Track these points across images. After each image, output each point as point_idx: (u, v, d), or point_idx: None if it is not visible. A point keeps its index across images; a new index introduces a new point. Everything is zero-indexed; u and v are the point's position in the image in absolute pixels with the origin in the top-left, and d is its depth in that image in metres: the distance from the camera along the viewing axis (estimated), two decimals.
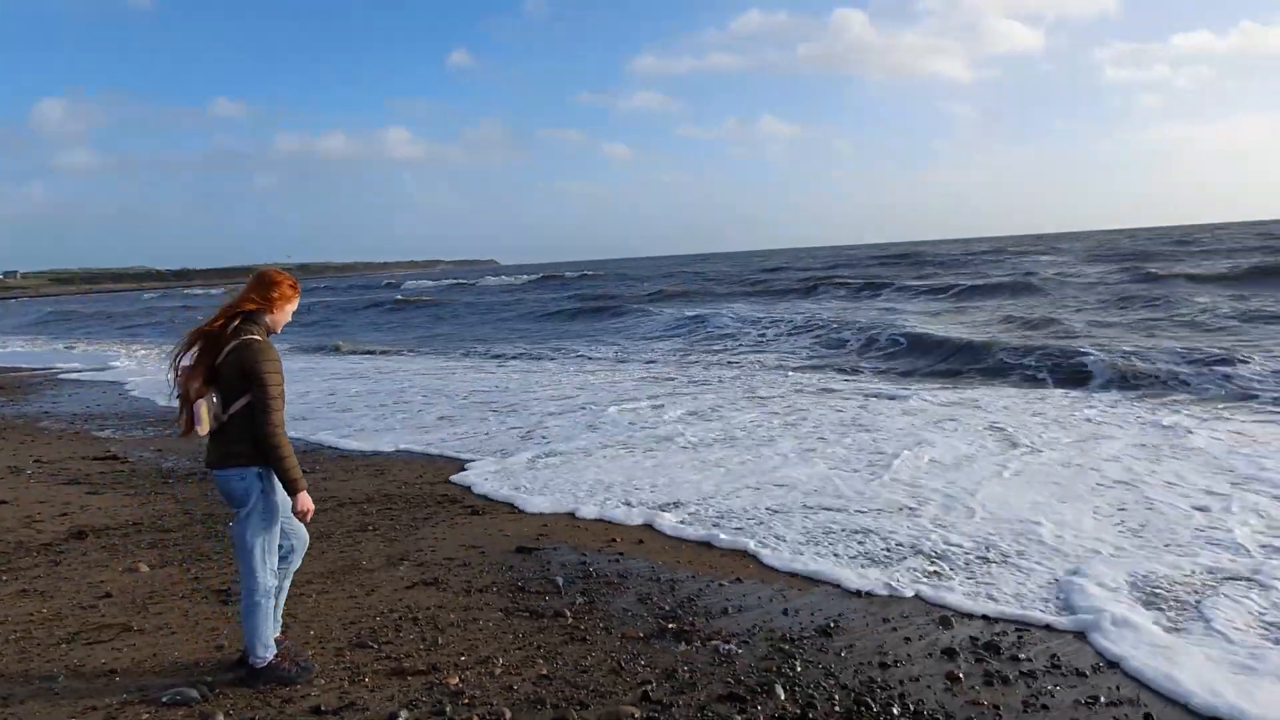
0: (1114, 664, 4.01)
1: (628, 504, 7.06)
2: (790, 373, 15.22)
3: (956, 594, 4.89)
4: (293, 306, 3.98)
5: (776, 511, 6.65)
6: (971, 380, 13.28)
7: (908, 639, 4.39)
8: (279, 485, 3.83)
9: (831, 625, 4.57)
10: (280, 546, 3.99)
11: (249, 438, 3.73)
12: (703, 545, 6.02)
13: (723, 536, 6.11)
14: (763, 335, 21.26)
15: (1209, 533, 5.66)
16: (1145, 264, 35.29)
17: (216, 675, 4.01)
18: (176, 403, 3.75)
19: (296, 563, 4.18)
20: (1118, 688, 3.79)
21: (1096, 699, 3.68)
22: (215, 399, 3.69)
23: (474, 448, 9.58)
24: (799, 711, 3.64)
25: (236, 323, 3.80)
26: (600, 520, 6.73)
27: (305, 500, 3.84)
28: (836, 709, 3.67)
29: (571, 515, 6.88)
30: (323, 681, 3.95)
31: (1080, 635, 4.32)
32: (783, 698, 3.77)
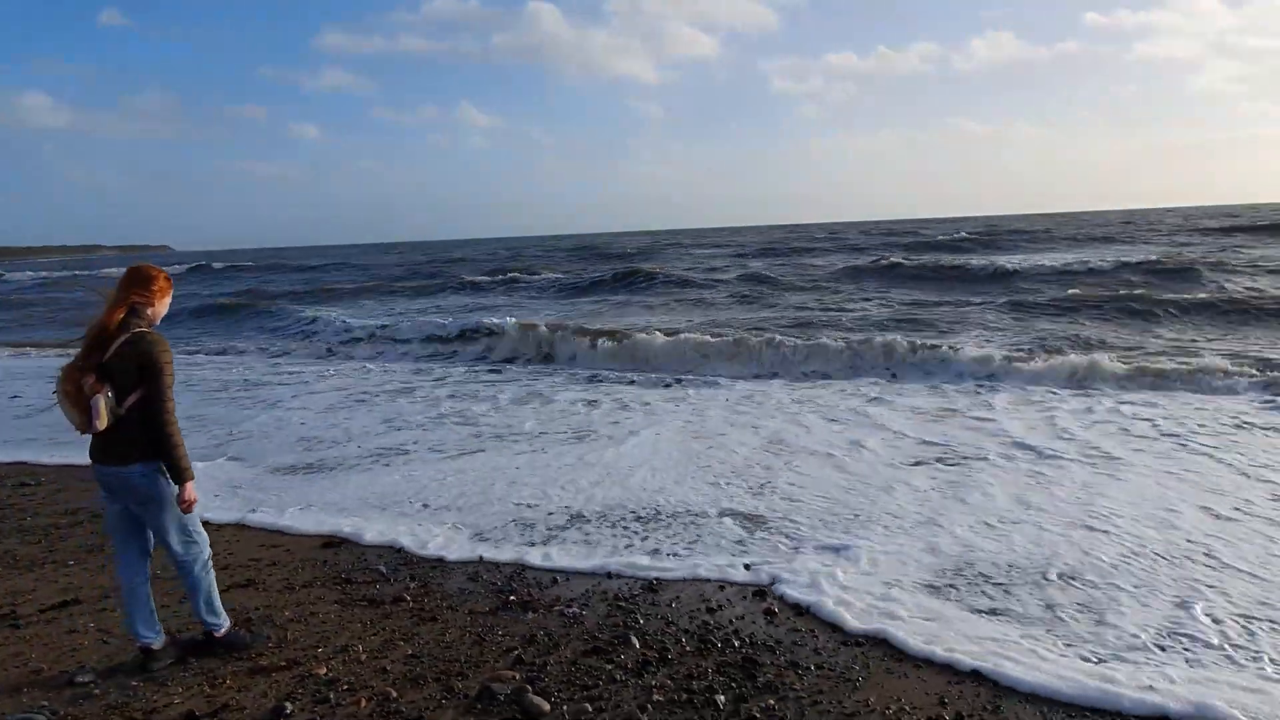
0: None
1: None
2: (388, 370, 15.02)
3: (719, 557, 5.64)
4: (169, 299, 4.00)
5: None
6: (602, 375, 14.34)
7: (722, 587, 5.02)
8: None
9: (655, 582, 5.10)
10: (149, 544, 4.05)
11: (145, 431, 3.74)
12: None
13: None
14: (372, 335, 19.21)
15: (843, 488, 6.93)
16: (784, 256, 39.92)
17: (51, 697, 3.71)
18: (58, 402, 3.70)
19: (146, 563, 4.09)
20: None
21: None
22: (110, 394, 3.66)
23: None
24: (658, 654, 4.11)
25: (121, 318, 3.75)
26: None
27: (191, 490, 3.87)
28: (688, 648, 4.18)
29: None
30: (180, 689, 3.80)
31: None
32: (638, 646, 4.22)
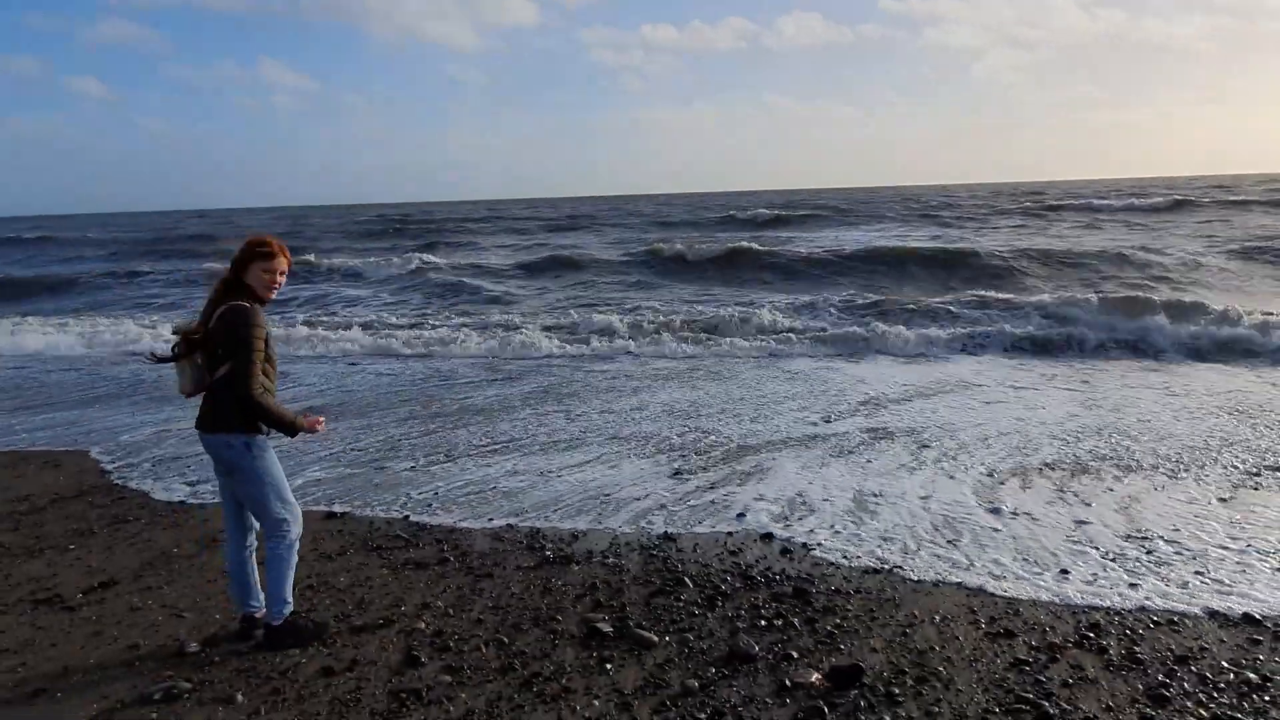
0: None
1: None
2: None
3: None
4: (262, 266, 3.82)
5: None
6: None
7: (730, 533, 5.59)
8: (267, 446, 3.91)
9: (669, 532, 5.60)
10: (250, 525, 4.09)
11: (234, 403, 3.77)
12: None
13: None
14: None
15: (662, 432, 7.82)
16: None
17: (171, 666, 3.79)
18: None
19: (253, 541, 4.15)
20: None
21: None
22: (200, 362, 3.76)
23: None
24: (713, 592, 4.63)
25: (220, 288, 3.83)
26: None
27: (312, 427, 3.96)
28: (737, 584, 4.73)
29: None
30: (296, 651, 3.95)
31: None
32: (693, 586, 4.74)
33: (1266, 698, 3.43)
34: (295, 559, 4.04)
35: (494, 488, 6.57)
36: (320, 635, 4.07)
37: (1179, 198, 43.33)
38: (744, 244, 25.89)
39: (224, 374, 3.76)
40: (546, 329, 15.02)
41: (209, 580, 4.83)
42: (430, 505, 6.22)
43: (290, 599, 4.04)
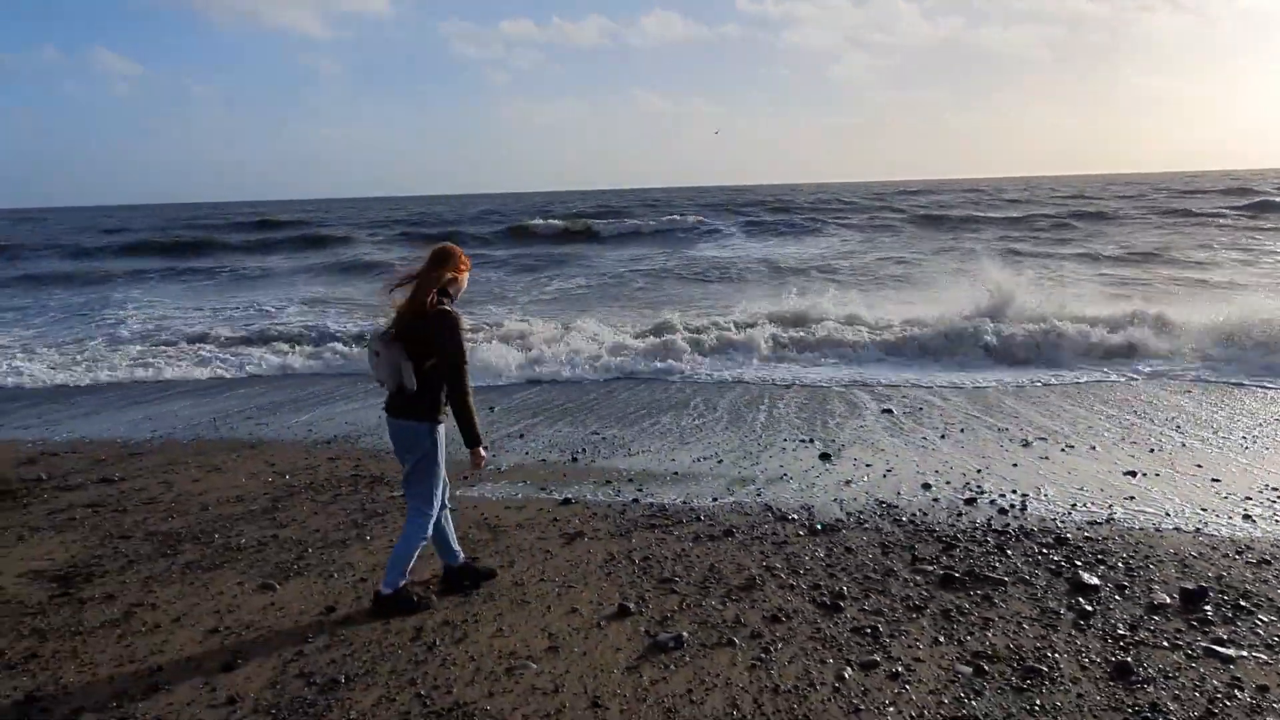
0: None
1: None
2: None
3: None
4: (467, 277, 4.53)
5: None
6: None
7: (936, 500, 6.37)
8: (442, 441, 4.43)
9: (882, 499, 6.30)
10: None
11: (430, 397, 4.31)
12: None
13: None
14: None
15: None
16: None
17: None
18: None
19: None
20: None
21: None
22: (405, 359, 4.24)
23: None
24: (990, 545, 5.35)
25: (433, 295, 4.30)
26: None
27: (478, 456, 4.41)
28: (1000, 538, 5.48)
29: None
30: (591, 594, 4.45)
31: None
32: (964, 541, 5.44)
33: None
34: (419, 549, 4.48)
35: (673, 471, 7.11)
36: (422, 608, 4.47)
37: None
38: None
39: (428, 369, 4.30)
40: None
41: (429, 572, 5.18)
42: (641, 489, 6.68)
43: (407, 577, 4.51)
